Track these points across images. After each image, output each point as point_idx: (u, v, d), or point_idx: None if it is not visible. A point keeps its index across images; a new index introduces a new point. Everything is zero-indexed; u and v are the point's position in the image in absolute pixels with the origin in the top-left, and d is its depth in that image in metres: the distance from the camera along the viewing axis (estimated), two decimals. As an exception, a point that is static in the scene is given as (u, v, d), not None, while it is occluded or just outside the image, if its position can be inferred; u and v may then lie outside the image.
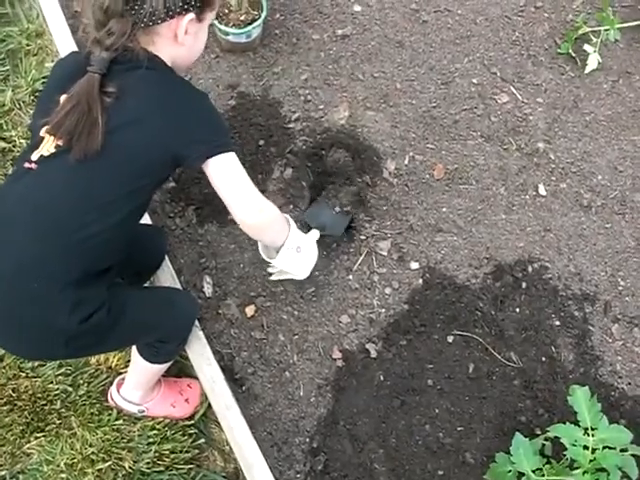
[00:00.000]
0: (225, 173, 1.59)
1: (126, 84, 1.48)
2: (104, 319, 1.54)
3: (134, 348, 1.94)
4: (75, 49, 2.62)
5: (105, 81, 1.46)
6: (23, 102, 2.66)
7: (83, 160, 1.43)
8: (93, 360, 2.21)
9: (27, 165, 1.49)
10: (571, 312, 2.31)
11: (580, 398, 1.87)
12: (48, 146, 1.48)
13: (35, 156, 1.48)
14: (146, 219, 2.29)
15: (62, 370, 2.17)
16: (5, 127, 2.60)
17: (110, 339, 1.66)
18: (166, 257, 2.24)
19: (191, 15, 1.53)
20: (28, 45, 2.82)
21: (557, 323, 2.29)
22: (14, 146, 2.56)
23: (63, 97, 1.47)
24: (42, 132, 1.49)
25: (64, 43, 2.67)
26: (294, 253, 1.91)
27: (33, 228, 1.47)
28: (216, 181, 1.61)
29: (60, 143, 1.46)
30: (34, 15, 2.89)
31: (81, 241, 1.47)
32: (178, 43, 1.56)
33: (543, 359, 2.23)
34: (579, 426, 1.84)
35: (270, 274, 2.18)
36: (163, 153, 1.52)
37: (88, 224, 1.47)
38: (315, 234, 2.13)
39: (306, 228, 2.21)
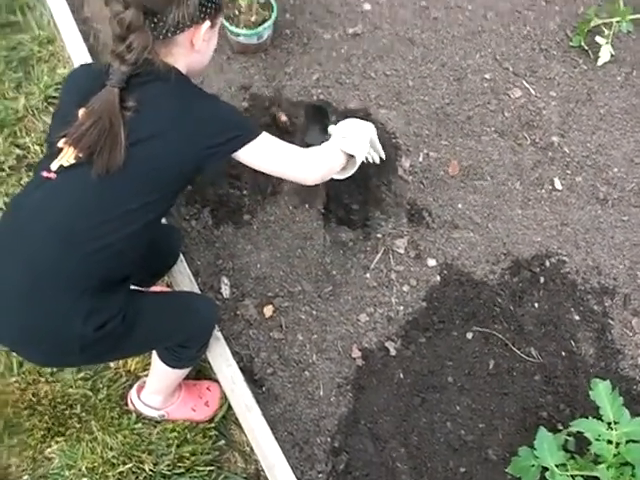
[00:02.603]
0: (259, 156, 1.63)
1: (145, 97, 1.47)
2: (119, 326, 1.54)
3: (154, 353, 1.94)
4: (86, 55, 2.64)
5: (124, 95, 1.45)
6: (36, 109, 2.67)
7: (104, 175, 1.43)
8: (112, 364, 2.22)
9: (46, 174, 1.48)
10: (590, 306, 2.29)
11: (602, 392, 1.86)
12: (68, 157, 1.47)
13: (55, 166, 1.48)
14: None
15: (81, 374, 2.18)
16: (19, 134, 2.61)
17: (126, 346, 1.66)
18: (183, 259, 2.24)
19: (208, 22, 1.54)
20: (40, 52, 2.84)
21: (576, 317, 2.27)
22: (28, 152, 2.57)
23: (81, 111, 1.47)
24: (61, 143, 1.48)
25: (76, 49, 2.69)
26: (346, 143, 1.84)
27: (50, 237, 1.46)
28: (256, 166, 1.66)
29: (80, 155, 1.46)
30: (45, 22, 2.91)
31: (97, 251, 1.46)
32: (194, 51, 1.57)
33: (563, 354, 2.21)
34: (602, 420, 1.83)
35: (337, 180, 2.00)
36: (184, 165, 1.53)
37: (105, 234, 1.47)
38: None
39: None
